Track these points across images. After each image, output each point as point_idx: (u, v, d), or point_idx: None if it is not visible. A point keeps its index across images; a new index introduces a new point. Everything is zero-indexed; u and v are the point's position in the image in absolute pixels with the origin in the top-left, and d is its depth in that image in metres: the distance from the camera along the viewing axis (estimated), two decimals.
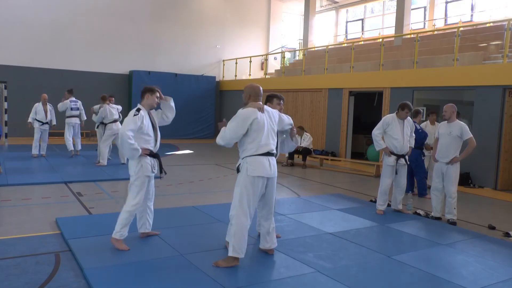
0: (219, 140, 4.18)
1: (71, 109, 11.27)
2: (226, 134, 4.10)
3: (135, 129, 4.39)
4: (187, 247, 4.58)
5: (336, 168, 11.52)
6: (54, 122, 11.26)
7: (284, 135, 4.77)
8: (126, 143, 4.33)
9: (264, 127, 4.09)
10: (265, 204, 4.31)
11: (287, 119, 4.61)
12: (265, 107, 4.27)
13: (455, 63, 10.18)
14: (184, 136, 17.29)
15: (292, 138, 4.72)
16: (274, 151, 4.21)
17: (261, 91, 4.27)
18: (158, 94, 4.63)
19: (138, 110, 4.51)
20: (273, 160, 4.16)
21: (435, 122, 8.54)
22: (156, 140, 4.62)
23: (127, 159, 4.68)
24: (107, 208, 6.28)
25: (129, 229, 4.52)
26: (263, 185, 4.11)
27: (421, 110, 8.36)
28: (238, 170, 4.17)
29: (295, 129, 4.72)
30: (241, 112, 4.10)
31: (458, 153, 6.25)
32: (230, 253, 4.00)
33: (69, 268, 3.98)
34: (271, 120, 4.23)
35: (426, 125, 8.54)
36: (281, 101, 4.85)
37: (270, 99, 4.84)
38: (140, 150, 4.40)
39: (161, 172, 4.67)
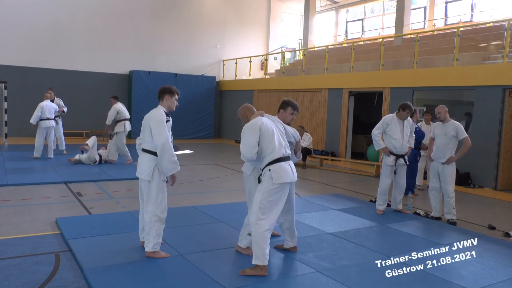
0: (242, 157, 4.13)
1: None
2: (244, 148, 4.05)
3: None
4: (187, 247, 4.58)
5: (336, 168, 11.52)
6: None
7: None
8: (169, 155, 4.06)
9: (273, 129, 4.12)
10: (290, 207, 4.41)
11: (293, 133, 4.51)
12: (267, 115, 4.31)
13: (455, 63, 10.18)
14: (184, 136, 17.28)
15: (296, 153, 4.62)
16: (290, 153, 4.22)
17: (253, 107, 4.48)
18: (177, 96, 4.37)
19: (167, 114, 4.23)
20: (292, 164, 4.18)
21: (430, 122, 8.55)
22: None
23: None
24: (107, 208, 6.29)
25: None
26: (289, 190, 4.15)
27: (417, 110, 8.34)
28: (259, 181, 4.11)
29: (300, 144, 4.63)
30: (247, 124, 4.14)
31: (454, 153, 6.26)
32: (253, 261, 3.93)
33: (69, 268, 3.98)
34: (275, 124, 4.25)
35: (421, 125, 8.53)
36: (295, 112, 4.61)
37: (284, 106, 4.55)
38: (178, 164, 4.18)
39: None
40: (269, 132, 4.05)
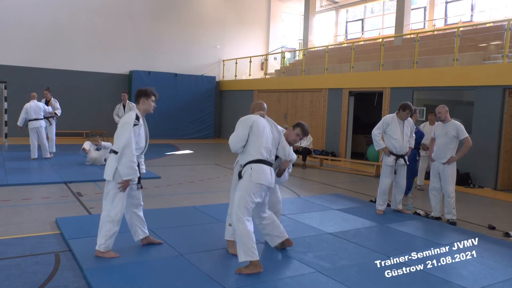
0: (230, 147, 4.19)
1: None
2: (232, 139, 4.12)
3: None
4: (187, 247, 4.58)
5: (336, 168, 11.51)
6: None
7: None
8: (127, 160, 3.97)
9: (265, 130, 4.13)
10: (276, 201, 4.67)
11: (289, 152, 4.40)
12: (269, 118, 4.34)
13: (455, 63, 10.18)
14: (184, 136, 17.29)
15: (280, 174, 4.45)
16: (273, 160, 4.25)
17: (265, 105, 4.45)
18: (154, 98, 4.23)
19: (138, 118, 4.09)
20: (272, 170, 4.21)
21: (435, 122, 8.53)
22: (143, 150, 4.30)
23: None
24: None
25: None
26: (265, 194, 4.18)
27: (417, 110, 8.33)
28: (240, 176, 4.14)
29: (287, 163, 4.44)
30: (243, 117, 4.20)
31: (454, 153, 6.26)
32: (243, 258, 3.90)
33: (69, 268, 3.98)
34: (272, 129, 4.26)
35: (425, 125, 8.51)
36: (301, 135, 4.53)
37: (295, 126, 4.58)
38: (137, 172, 4.11)
39: (138, 182, 4.29)
40: (259, 131, 4.08)
